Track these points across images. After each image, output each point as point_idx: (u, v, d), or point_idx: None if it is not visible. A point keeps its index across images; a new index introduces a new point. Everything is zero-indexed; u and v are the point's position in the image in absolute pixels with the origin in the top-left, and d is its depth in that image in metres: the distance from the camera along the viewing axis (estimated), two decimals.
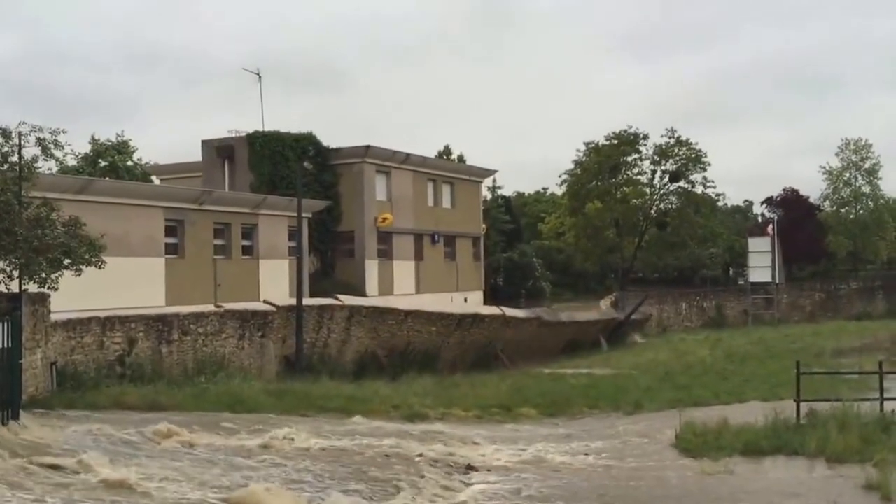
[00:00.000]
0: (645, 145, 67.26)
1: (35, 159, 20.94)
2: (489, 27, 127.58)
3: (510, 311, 42.35)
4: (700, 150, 66.87)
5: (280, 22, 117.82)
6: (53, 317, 22.64)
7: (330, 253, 42.45)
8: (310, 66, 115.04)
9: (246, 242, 34.70)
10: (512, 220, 68.62)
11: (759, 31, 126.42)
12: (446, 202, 48.61)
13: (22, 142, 20.31)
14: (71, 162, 42.44)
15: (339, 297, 35.23)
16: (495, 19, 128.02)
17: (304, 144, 42.02)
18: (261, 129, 42.58)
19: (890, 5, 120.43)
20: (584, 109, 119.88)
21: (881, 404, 19.59)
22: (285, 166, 40.91)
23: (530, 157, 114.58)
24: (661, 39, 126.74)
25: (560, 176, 70.14)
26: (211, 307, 29.67)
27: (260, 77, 46.19)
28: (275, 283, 34.84)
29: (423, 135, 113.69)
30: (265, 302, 32.08)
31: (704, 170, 67.06)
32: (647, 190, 68.26)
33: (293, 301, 31.83)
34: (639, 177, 68.29)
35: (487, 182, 60.74)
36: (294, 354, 31.27)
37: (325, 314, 33.19)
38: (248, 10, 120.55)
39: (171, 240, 31.27)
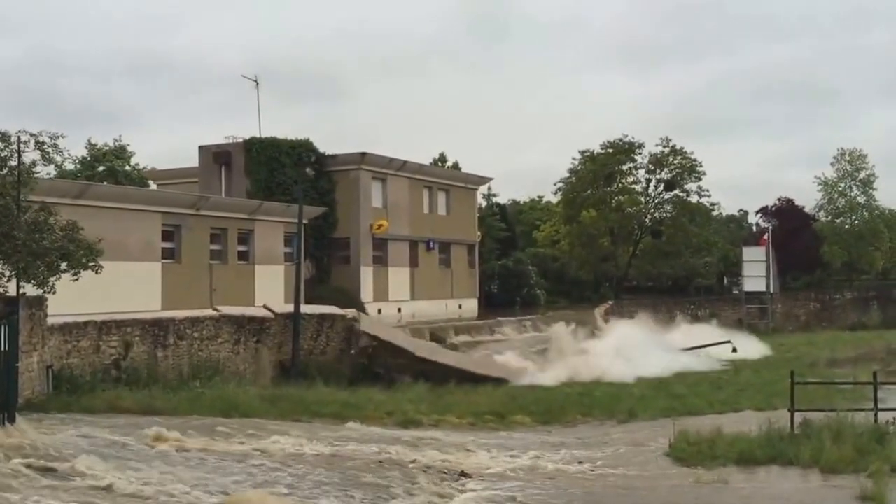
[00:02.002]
0: (640, 154, 67.39)
1: (34, 164, 20.99)
2: (486, 38, 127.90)
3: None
4: (695, 160, 67.00)
5: (278, 32, 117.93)
6: (50, 320, 22.65)
7: (325, 259, 42.49)
8: (307, 76, 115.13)
9: (242, 248, 34.74)
10: (507, 227, 68.68)
11: (754, 43, 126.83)
12: (442, 209, 48.70)
13: (21, 147, 20.36)
14: (69, 166, 42.47)
15: (362, 315, 34.36)
16: (492, 30, 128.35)
17: (301, 151, 42.10)
18: (258, 135, 42.64)
19: (883, 16, 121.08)
20: (579, 119, 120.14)
21: (875, 415, 19.65)
22: (282, 172, 40.98)
23: (526, 166, 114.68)
24: (657, 51, 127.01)
25: (555, 184, 70.28)
26: (209, 312, 29.70)
27: (257, 83, 46.38)
28: (270, 289, 34.86)
29: (419, 143, 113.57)
30: (265, 307, 32.10)
31: (699, 179, 67.19)
32: (642, 198, 68.34)
33: (291, 307, 31.87)
34: (634, 185, 68.35)
35: (483, 190, 60.86)
36: (289, 360, 31.24)
37: (326, 322, 32.99)
38: (247, 19, 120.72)
39: (167, 244, 31.30)
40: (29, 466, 15.60)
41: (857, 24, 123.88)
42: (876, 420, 19.38)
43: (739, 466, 17.70)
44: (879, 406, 19.82)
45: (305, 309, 32.63)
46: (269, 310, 31.81)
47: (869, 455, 16.95)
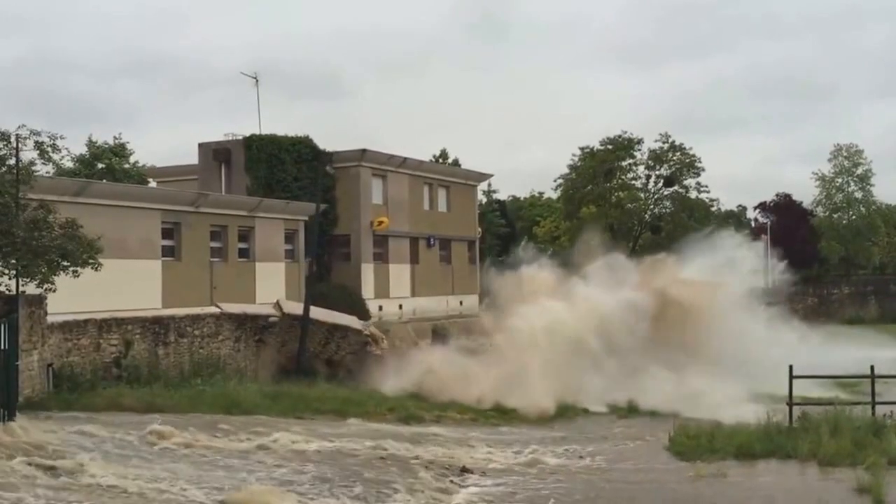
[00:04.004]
0: (639, 150, 67.57)
1: (33, 162, 20.98)
2: (486, 37, 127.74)
3: None
4: (694, 156, 67.14)
5: (279, 30, 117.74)
6: (50, 319, 22.66)
7: (326, 256, 42.51)
8: (309, 75, 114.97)
9: (242, 245, 34.69)
10: (507, 223, 68.72)
11: (753, 42, 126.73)
12: (442, 206, 48.68)
13: (20, 144, 20.35)
14: (68, 164, 42.48)
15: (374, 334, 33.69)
16: (492, 29, 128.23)
17: (301, 148, 42.05)
18: (258, 133, 42.63)
19: (879, 16, 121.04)
20: (579, 117, 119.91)
21: (873, 408, 19.79)
22: (282, 169, 40.96)
23: (526, 163, 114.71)
24: (657, 50, 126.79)
25: (555, 180, 70.42)
26: (210, 309, 29.73)
27: (257, 81, 46.21)
28: (271, 286, 34.83)
29: (420, 141, 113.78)
30: (277, 304, 31.89)
31: (698, 175, 67.35)
32: (642, 195, 68.46)
33: (300, 306, 31.72)
34: (633, 181, 68.50)
35: (483, 186, 60.79)
36: (291, 361, 31.08)
37: (338, 333, 32.20)
38: (248, 17, 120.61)
39: (167, 242, 31.24)
40: (30, 464, 15.61)
41: (854, 23, 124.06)
42: (873, 413, 19.53)
43: (738, 460, 17.82)
44: (876, 399, 19.97)
45: (320, 313, 32.17)
46: (280, 308, 31.62)
47: (866, 448, 17.10)
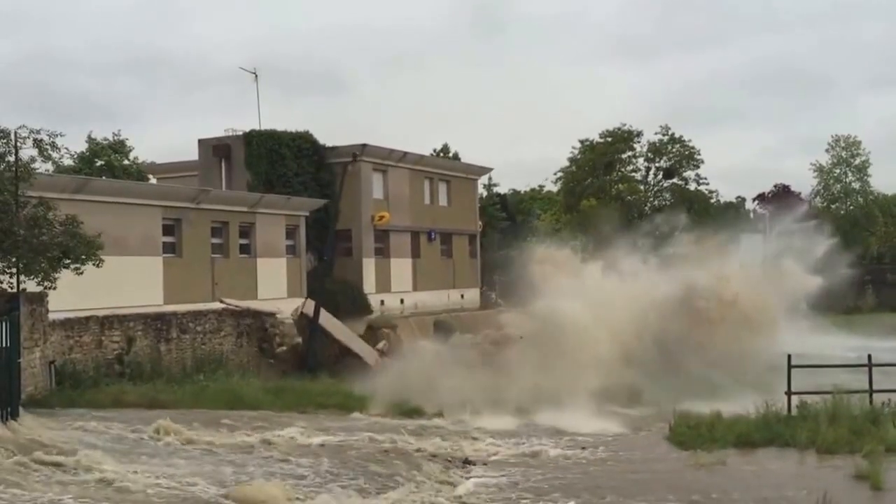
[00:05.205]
0: (639, 143, 67.67)
1: (33, 160, 21.04)
2: (486, 30, 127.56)
3: None
4: (693, 148, 67.24)
5: (279, 26, 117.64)
6: (52, 316, 22.76)
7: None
8: (308, 71, 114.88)
9: (243, 241, 34.80)
10: (508, 217, 68.76)
11: (751, 35, 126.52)
12: (443, 200, 48.73)
13: (18, 143, 20.40)
14: (67, 161, 42.56)
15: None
16: (492, 23, 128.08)
17: (301, 143, 42.10)
18: (258, 128, 42.65)
19: (877, 9, 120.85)
20: (579, 110, 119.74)
21: (870, 397, 19.88)
22: (282, 165, 41.02)
23: (526, 156, 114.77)
24: (655, 43, 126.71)
25: (555, 173, 70.52)
26: (212, 305, 29.86)
27: (256, 76, 46.29)
28: (272, 282, 34.97)
29: (421, 136, 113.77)
30: (304, 302, 31.76)
31: (697, 167, 67.49)
32: (642, 187, 68.56)
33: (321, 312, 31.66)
34: (633, 174, 68.61)
35: (483, 180, 60.83)
36: (294, 363, 30.97)
37: (348, 357, 31.46)
38: (248, 13, 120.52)
39: (168, 239, 31.35)
40: (34, 461, 15.65)
41: (852, 17, 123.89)
42: (871, 402, 19.62)
43: (738, 449, 17.94)
44: (874, 388, 20.05)
45: (335, 327, 31.80)
46: (300, 308, 31.43)
47: (864, 436, 17.21)
